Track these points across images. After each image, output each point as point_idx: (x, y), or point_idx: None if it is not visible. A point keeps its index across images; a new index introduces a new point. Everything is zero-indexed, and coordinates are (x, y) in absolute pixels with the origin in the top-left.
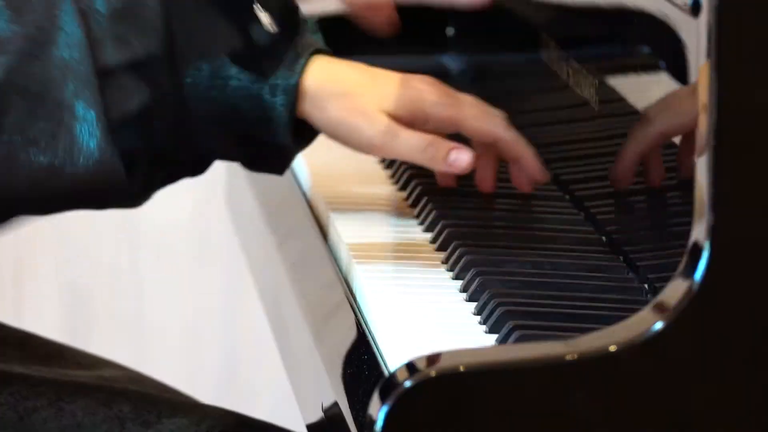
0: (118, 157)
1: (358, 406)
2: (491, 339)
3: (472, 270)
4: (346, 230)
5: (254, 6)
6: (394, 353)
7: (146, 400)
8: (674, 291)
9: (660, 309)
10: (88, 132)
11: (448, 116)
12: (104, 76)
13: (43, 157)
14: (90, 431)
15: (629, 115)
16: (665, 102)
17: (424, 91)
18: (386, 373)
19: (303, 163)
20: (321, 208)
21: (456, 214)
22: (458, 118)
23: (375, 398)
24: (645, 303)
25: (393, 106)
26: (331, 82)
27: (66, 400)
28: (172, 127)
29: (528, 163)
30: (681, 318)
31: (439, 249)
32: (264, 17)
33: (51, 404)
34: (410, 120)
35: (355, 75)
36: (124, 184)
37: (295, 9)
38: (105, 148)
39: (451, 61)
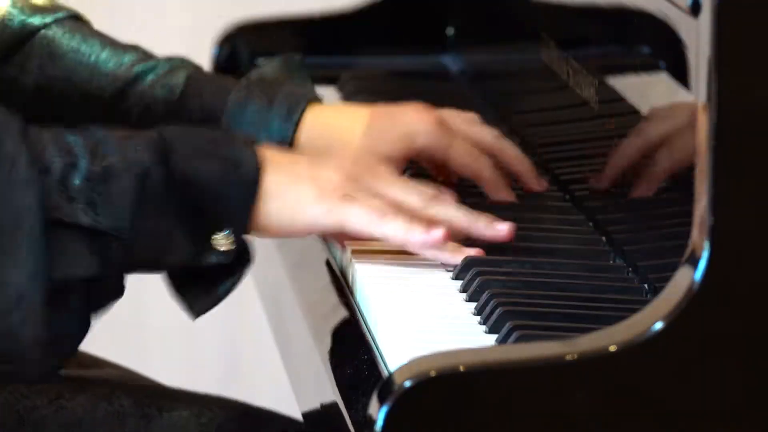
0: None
1: (358, 406)
2: (491, 339)
3: (472, 270)
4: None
5: (216, 234)
6: (394, 353)
7: (146, 394)
8: (674, 291)
9: (660, 309)
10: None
11: (437, 152)
12: (58, 230)
13: None
14: (90, 427)
15: (629, 115)
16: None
17: (414, 125)
18: (386, 373)
19: None
20: None
21: None
22: (446, 156)
23: (375, 398)
24: (645, 303)
25: (383, 148)
26: (324, 129)
27: (66, 398)
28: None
29: (506, 199)
30: (681, 318)
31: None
32: (221, 246)
33: (51, 403)
34: (400, 156)
35: (345, 121)
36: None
37: (247, 251)
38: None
39: (451, 61)
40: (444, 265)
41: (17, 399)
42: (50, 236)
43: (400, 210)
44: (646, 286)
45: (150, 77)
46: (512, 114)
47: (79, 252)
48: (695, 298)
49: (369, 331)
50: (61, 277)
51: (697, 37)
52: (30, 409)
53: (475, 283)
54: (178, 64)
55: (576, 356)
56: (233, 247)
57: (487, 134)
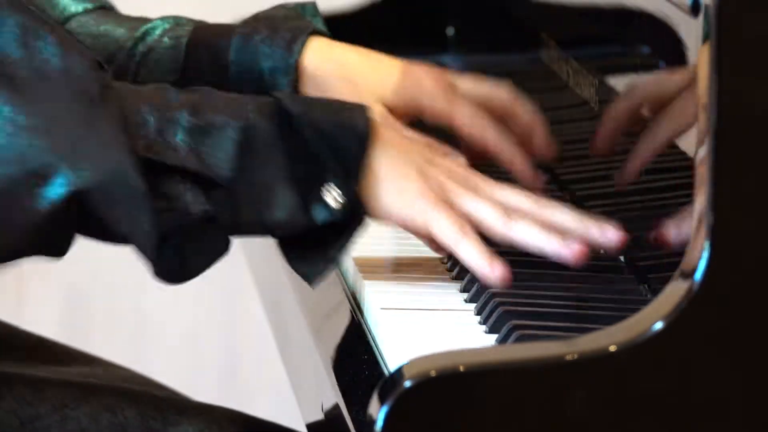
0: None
1: (358, 406)
2: (491, 339)
3: (471, 273)
4: None
5: (326, 187)
6: (394, 353)
7: (151, 406)
8: (674, 291)
9: (660, 309)
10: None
11: (441, 114)
12: (167, 171)
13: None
14: None
15: None
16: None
17: (423, 82)
18: (386, 373)
19: None
20: None
21: None
22: (451, 117)
23: (375, 398)
24: (645, 303)
25: (390, 96)
26: (331, 63)
27: (70, 407)
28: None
29: (518, 168)
30: (681, 318)
31: (443, 257)
32: (331, 201)
33: (55, 411)
34: (405, 110)
35: (356, 58)
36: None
37: (359, 203)
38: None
39: (451, 61)
40: (444, 265)
41: (21, 406)
42: (152, 177)
43: (513, 212)
44: (646, 286)
45: (158, 31)
46: None
47: (189, 191)
48: (695, 298)
49: (369, 331)
50: (169, 209)
51: (697, 37)
52: (33, 418)
53: (475, 284)
54: (184, 20)
55: (576, 356)
56: (342, 202)
57: (500, 93)
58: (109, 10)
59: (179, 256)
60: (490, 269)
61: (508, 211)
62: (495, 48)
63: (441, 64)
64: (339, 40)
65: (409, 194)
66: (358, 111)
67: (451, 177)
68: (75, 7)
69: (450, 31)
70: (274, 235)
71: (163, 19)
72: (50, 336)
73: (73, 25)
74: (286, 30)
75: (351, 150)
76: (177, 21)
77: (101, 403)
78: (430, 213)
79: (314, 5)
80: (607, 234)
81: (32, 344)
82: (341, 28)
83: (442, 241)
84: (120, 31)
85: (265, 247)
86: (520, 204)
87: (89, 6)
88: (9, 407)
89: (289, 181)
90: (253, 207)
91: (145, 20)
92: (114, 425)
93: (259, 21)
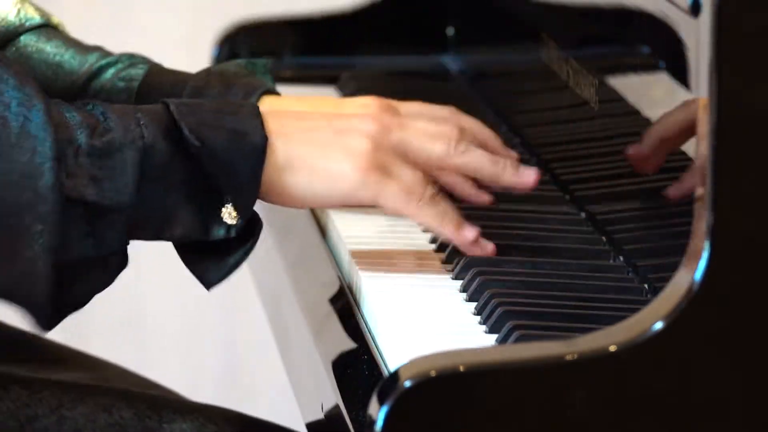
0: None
1: (358, 406)
2: (491, 339)
3: (472, 270)
4: (346, 230)
5: (224, 206)
6: (394, 353)
7: (148, 405)
8: (674, 291)
9: (660, 309)
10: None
11: (398, 141)
12: (67, 204)
13: None
14: None
15: (629, 115)
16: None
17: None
18: (386, 373)
19: None
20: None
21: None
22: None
23: (375, 398)
24: (645, 303)
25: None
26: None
27: (67, 407)
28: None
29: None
30: (681, 318)
31: (439, 249)
32: (229, 219)
33: (52, 411)
34: None
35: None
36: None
37: (257, 221)
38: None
39: (451, 61)
40: (444, 265)
41: (19, 408)
42: (62, 214)
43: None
44: (646, 286)
45: (111, 71)
46: (512, 114)
47: (81, 232)
48: (695, 298)
49: (369, 331)
50: (63, 257)
51: (697, 37)
52: (31, 418)
53: (475, 283)
54: (140, 60)
55: (576, 356)
56: (239, 220)
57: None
58: (55, 30)
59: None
60: (455, 231)
61: (441, 138)
62: (495, 48)
63: (441, 64)
64: (339, 40)
65: (343, 174)
66: (251, 121)
67: (371, 137)
68: (17, 20)
69: (450, 31)
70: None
71: (119, 57)
72: (50, 336)
73: (21, 45)
74: (239, 87)
75: (246, 171)
76: (131, 60)
77: (98, 404)
78: (374, 183)
79: (266, 62)
80: (522, 174)
81: (29, 345)
82: (341, 28)
83: (394, 208)
84: (72, 63)
85: (265, 247)
86: (437, 152)
87: (34, 22)
88: (6, 409)
89: (187, 202)
90: (151, 227)
91: (95, 50)
92: (111, 425)
93: (211, 75)
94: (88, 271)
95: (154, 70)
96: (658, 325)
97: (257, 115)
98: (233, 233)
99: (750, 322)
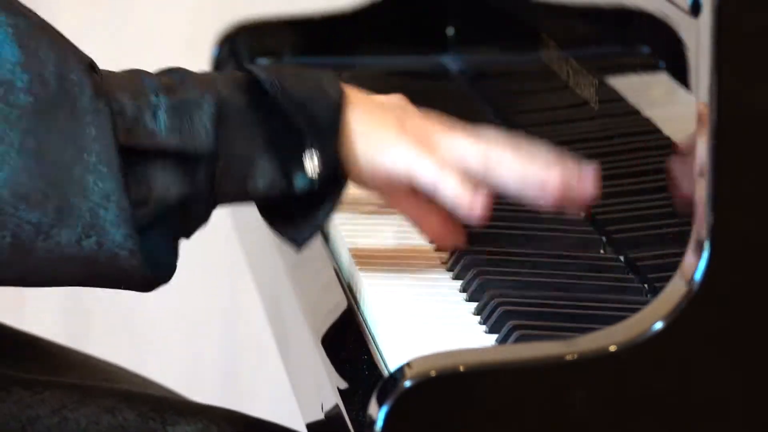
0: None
1: (358, 406)
2: (491, 339)
3: (472, 270)
4: (346, 230)
5: (305, 154)
6: (394, 353)
7: (151, 407)
8: (674, 291)
9: (660, 309)
10: (112, 220)
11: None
12: (139, 158)
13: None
14: None
15: (629, 115)
16: None
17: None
18: (386, 373)
19: None
20: None
21: None
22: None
23: (375, 398)
24: (645, 303)
25: None
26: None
27: (69, 408)
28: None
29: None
30: (681, 318)
31: (440, 249)
32: (310, 167)
33: (54, 413)
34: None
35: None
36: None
37: (338, 167)
38: (129, 239)
39: (451, 61)
40: (444, 265)
41: (21, 409)
42: (128, 162)
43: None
44: (646, 286)
45: None
46: (512, 114)
47: (168, 174)
48: (695, 298)
49: (369, 331)
50: (146, 199)
51: (697, 37)
52: (33, 419)
53: (475, 283)
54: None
55: (576, 356)
56: (321, 170)
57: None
58: None
59: (165, 238)
60: (469, 204)
61: (488, 143)
62: (495, 48)
63: (441, 64)
64: (339, 40)
65: (388, 141)
66: (330, 79)
67: (429, 121)
68: None
69: (450, 31)
70: (256, 203)
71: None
72: (50, 337)
73: None
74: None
75: (325, 117)
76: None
77: (100, 405)
78: (410, 155)
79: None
80: (585, 176)
81: (30, 347)
82: (341, 28)
83: (423, 182)
84: None
85: (266, 247)
86: (499, 138)
87: None
88: (8, 410)
89: (267, 152)
90: (234, 178)
91: None
92: (113, 427)
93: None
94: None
95: None
96: (658, 325)
97: (335, 78)
98: (317, 185)
99: (750, 322)
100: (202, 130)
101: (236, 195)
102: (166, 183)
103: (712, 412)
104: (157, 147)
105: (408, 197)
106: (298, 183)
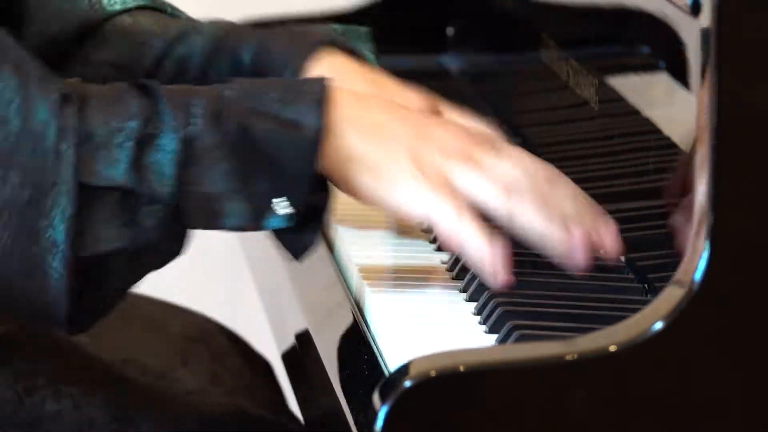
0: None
1: (358, 406)
2: (491, 339)
3: (472, 270)
4: (346, 230)
5: (275, 199)
6: (394, 353)
7: (135, 391)
8: (674, 291)
9: (660, 309)
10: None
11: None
12: (100, 193)
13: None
14: (88, 413)
15: (629, 115)
16: None
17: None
18: (386, 373)
19: None
20: None
21: None
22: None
23: (375, 398)
24: (645, 303)
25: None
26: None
27: (65, 382)
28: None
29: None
30: (681, 318)
31: (440, 249)
32: (282, 210)
33: (50, 383)
34: None
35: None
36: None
37: (325, 201)
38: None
39: (451, 61)
40: (444, 265)
41: (17, 379)
42: (84, 205)
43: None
44: (646, 286)
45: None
46: (512, 114)
47: (112, 222)
48: (695, 298)
49: (369, 331)
50: (89, 252)
51: (697, 37)
52: (30, 390)
53: (475, 284)
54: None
55: (576, 356)
56: (293, 210)
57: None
58: (155, 11)
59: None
60: (491, 267)
61: (509, 189)
62: (495, 48)
63: (441, 64)
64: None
65: (404, 184)
66: (310, 109)
67: (446, 152)
68: (120, 6)
69: (450, 31)
70: None
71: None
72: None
73: (108, 28)
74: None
75: (295, 161)
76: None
77: (94, 381)
78: (428, 200)
79: (367, 31)
80: (608, 232)
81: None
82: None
83: (443, 231)
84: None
85: (266, 247)
86: (520, 182)
87: (131, 4)
88: (4, 380)
89: (237, 193)
90: (201, 215)
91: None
92: (107, 400)
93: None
94: (122, 262)
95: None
96: (658, 325)
97: (319, 102)
98: (291, 222)
99: (750, 322)
100: (164, 173)
101: (204, 227)
102: (110, 223)
103: (712, 412)
104: (110, 184)
105: None
106: (269, 223)
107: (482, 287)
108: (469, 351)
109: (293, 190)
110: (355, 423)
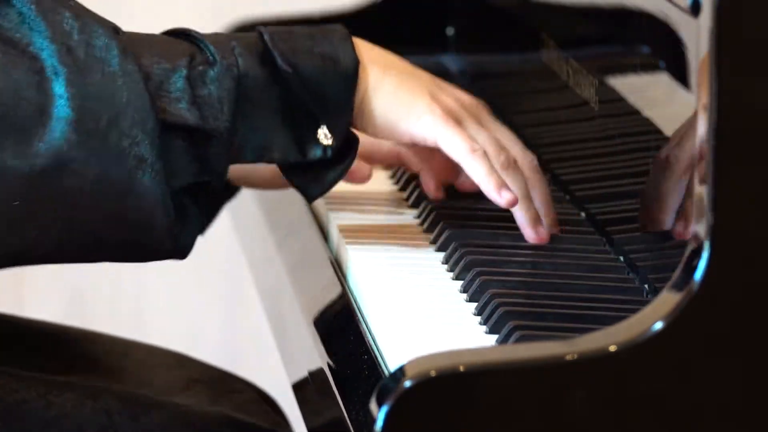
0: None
1: (358, 406)
2: (491, 339)
3: (472, 270)
4: (347, 231)
5: (319, 128)
6: (394, 353)
7: (132, 397)
8: (674, 291)
9: (660, 309)
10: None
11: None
12: (169, 129)
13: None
14: (78, 420)
15: (629, 115)
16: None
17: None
18: (386, 373)
19: None
20: (321, 208)
21: (456, 215)
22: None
23: (375, 398)
24: (645, 303)
25: None
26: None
27: (54, 394)
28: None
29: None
30: (681, 318)
31: (440, 249)
32: (324, 140)
33: (40, 397)
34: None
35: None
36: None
37: (353, 139)
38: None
39: (451, 61)
40: (445, 266)
41: (7, 393)
42: (159, 137)
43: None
44: (646, 286)
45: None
46: (512, 114)
47: (185, 149)
48: (695, 298)
49: (369, 331)
50: (173, 183)
51: (697, 37)
52: (19, 402)
53: (475, 284)
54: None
55: (576, 356)
56: (334, 142)
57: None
58: None
59: (191, 208)
60: (496, 191)
61: (508, 152)
62: (495, 48)
63: (441, 64)
64: None
65: (418, 108)
66: (344, 44)
67: (459, 102)
68: None
69: (450, 31)
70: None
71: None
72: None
73: None
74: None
75: (338, 94)
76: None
77: (84, 392)
78: (438, 127)
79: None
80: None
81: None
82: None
83: (451, 152)
84: None
85: (266, 246)
86: (517, 155)
87: None
88: None
89: (284, 125)
90: (250, 150)
91: None
92: (96, 411)
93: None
94: (197, 197)
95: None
96: (658, 325)
97: (348, 40)
98: (329, 154)
99: (750, 322)
100: (221, 108)
101: (251, 161)
102: (182, 157)
103: (712, 412)
104: (178, 121)
105: (417, 148)
106: (312, 153)
107: (482, 287)
108: (469, 351)
109: (335, 120)
110: (355, 423)
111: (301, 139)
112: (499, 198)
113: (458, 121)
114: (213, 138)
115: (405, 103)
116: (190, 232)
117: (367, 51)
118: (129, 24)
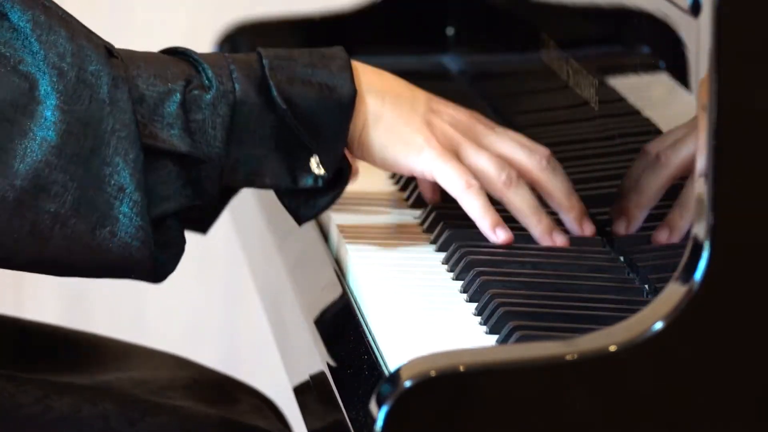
0: (151, 241)
1: (358, 406)
2: (491, 339)
3: (472, 271)
4: (347, 231)
5: (312, 157)
6: (394, 353)
7: (130, 400)
8: (674, 291)
9: (660, 309)
10: (128, 210)
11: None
12: (161, 154)
13: (83, 225)
14: (76, 425)
15: (629, 115)
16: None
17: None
18: (386, 373)
19: None
20: None
21: (457, 215)
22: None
23: (375, 398)
24: (645, 303)
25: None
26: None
27: (52, 398)
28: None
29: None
30: (681, 318)
31: (440, 250)
32: (316, 169)
33: (38, 401)
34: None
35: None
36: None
37: (348, 167)
38: (143, 230)
39: (451, 61)
40: (445, 266)
41: (4, 398)
42: (149, 167)
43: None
44: (646, 286)
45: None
46: (512, 114)
47: (175, 175)
48: (695, 298)
49: (369, 331)
50: (158, 211)
51: (697, 37)
52: (17, 406)
53: (475, 284)
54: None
55: (576, 356)
56: (326, 173)
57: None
58: None
59: (173, 230)
60: (491, 230)
61: (510, 169)
62: (495, 48)
63: (441, 64)
64: (339, 40)
65: (415, 144)
66: (341, 74)
67: (455, 126)
68: None
69: (450, 31)
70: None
71: None
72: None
73: None
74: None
75: (333, 126)
76: None
77: (82, 396)
78: (436, 162)
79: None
80: (585, 230)
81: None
82: (341, 28)
83: (448, 189)
84: None
85: (266, 246)
86: (522, 161)
87: None
88: None
89: (277, 153)
90: (242, 174)
91: None
92: (94, 415)
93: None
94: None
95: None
96: (658, 325)
97: (347, 68)
98: (321, 183)
99: (750, 322)
100: (214, 135)
101: (242, 185)
102: (175, 181)
103: (712, 412)
104: (169, 148)
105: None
106: (304, 182)
107: (483, 288)
108: (468, 351)
109: (328, 150)
110: (355, 423)
111: (293, 168)
112: (495, 237)
113: (456, 149)
114: (204, 163)
115: (403, 138)
116: (171, 258)
117: (365, 76)
118: (129, 24)
